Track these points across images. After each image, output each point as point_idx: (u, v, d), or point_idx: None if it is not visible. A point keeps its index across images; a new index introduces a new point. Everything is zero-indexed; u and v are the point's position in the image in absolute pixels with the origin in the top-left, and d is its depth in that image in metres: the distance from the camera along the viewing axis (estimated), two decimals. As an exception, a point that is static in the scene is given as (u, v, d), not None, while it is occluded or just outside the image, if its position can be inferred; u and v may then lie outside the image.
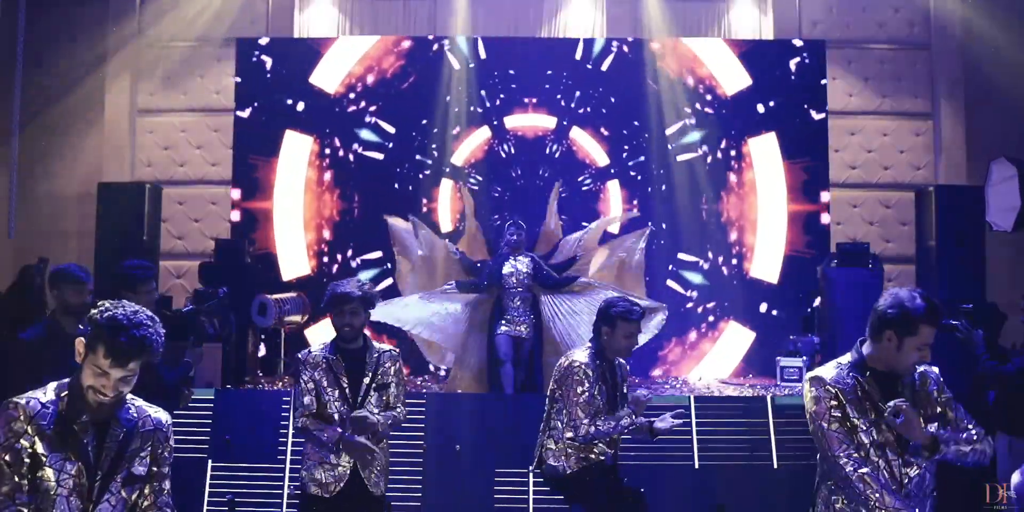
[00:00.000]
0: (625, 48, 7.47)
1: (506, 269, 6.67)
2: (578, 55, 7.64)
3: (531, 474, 5.46)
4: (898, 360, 2.66)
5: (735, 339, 7.32)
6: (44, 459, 2.17)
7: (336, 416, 3.73)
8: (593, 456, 4.00)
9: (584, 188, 7.94)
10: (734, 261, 7.43)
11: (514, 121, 7.87)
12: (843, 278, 7.06)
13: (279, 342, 7.82)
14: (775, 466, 5.66)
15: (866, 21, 9.07)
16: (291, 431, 5.81)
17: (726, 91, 7.28)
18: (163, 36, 9.25)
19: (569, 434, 3.95)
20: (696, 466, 5.66)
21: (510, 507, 5.49)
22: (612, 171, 7.79)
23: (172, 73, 9.21)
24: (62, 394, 2.24)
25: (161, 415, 2.42)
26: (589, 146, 7.88)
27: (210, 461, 5.52)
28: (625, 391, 4.15)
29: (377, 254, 7.03)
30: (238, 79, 8.27)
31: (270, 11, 9.20)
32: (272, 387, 6.91)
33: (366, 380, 3.79)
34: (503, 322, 6.62)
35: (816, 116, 7.34)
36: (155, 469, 2.36)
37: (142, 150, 9.18)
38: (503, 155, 7.88)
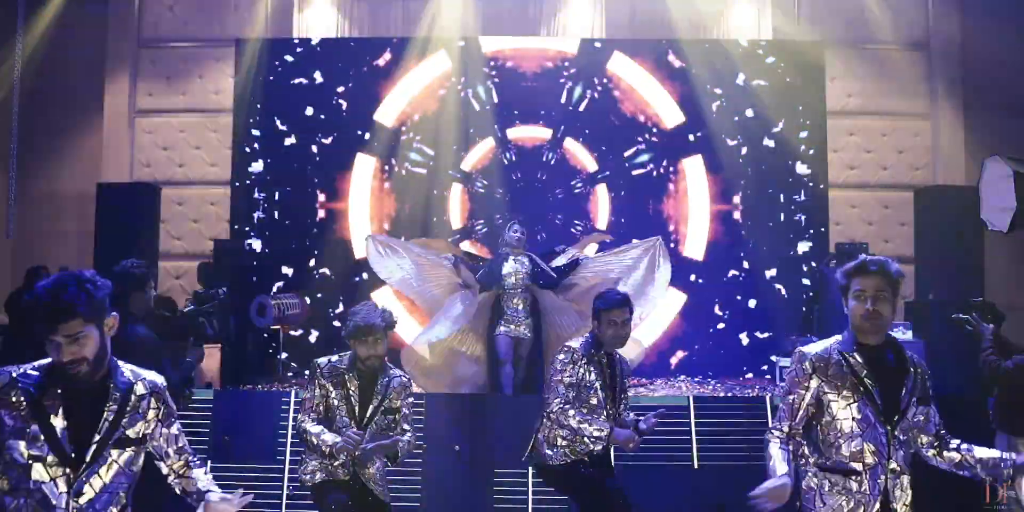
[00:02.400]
0: (596, 94, 9.29)
1: (506, 269, 6.67)
2: (563, 98, 9.29)
3: (530, 474, 5.47)
4: (853, 318, 2.78)
5: (673, 300, 8.77)
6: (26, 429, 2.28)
7: (337, 430, 3.74)
8: (582, 447, 3.98)
9: (576, 191, 9.22)
10: (672, 245, 8.97)
11: (515, 133, 9.26)
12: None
13: (277, 343, 7.83)
14: (774, 466, 5.66)
15: (865, 21, 9.07)
16: (290, 431, 5.81)
17: (667, 125, 9.22)
18: (162, 37, 9.26)
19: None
20: (696, 467, 5.66)
21: (509, 507, 5.50)
22: (600, 176, 9.25)
23: (171, 73, 9.22)
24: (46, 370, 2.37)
25: (156, 378, 2.54)
26: (580, 154, 9.24)
27: (209, 461, 5.52)
28: (627, 388, 4.11)
29: (422, 240, 7.98)
30: (322, 117, 9.18)
31: (269, 11, 9.21)
32: (271, 388, 6.91)
33: (374, 403, 3.80)
34: (502, 322, 6.62)
35: (730, 142, 9.08)
36: (165, 430, 2.53)
37: (141, 150, 9.18)
38: (505, 162, 9.22)
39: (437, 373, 6.77)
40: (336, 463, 3.75)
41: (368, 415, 3.79)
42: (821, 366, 2.76)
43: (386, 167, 9.22)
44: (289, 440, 5.76)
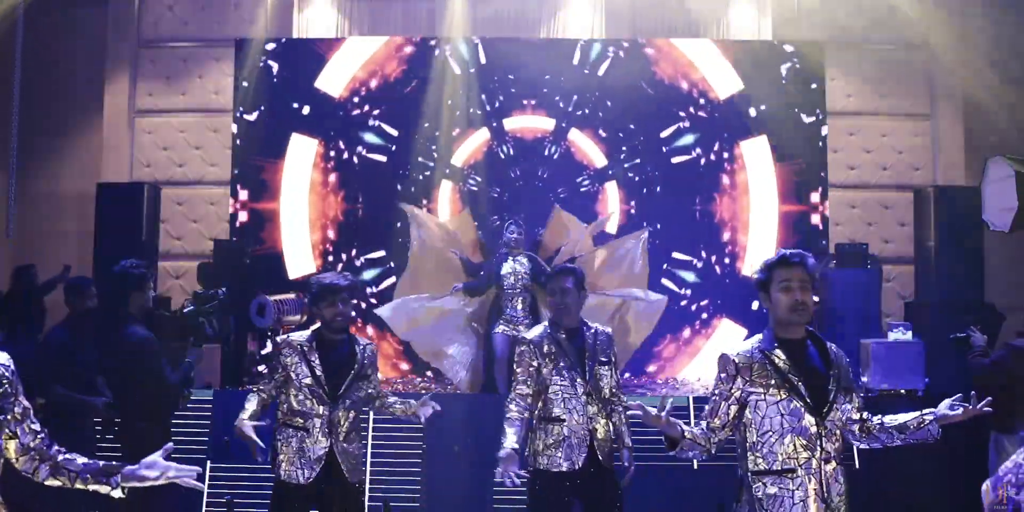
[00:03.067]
0: (621, 53, 7.67)
1: (505, 269, 6.67)
2: (575, 59, 7.84)
3: (530, 474, 5.46)
4: (780, 310, 2.77)
5: (728, 336, 7.50)
6: None
7: (307, 403, 3.73)
8: (547, 460, 3.77)
9: (582, 189, 8.09)
10: (727, 260, 7.65)
11: (513, 123, 8.03)
12: (842, 279, 7.07)
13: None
14: (774, 466, 5.65)
15: (864, 21, 9.06)
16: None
17: (719, 95, 7.51)
18: (162, 36, 9.25)
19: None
20: (695, 466, 5.66)
21: (509, 508, 5.49)
22: (610, 172, 7.98)
23: (171, 73, 9.21)
24: None
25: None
26: (587, 148, 8.04)
27: (209, 462, 5.52)
28: (600, 358, 3.84)
29: (380, 253, 7.25)
30: (245, 83, 8.36)
31: (269, 11, 9.20)
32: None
33: (353, 371, 3.83)
34: (501, 322, 6.62)
35: (807, 119, 7.59)
36: (15, 409, 2.24)
37: (141, 150, 9.17)
38: (502, 156, 8.04)
39: (424, 331, 6.69)
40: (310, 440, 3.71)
41: (345, 385, 3.79)
42: (745, 367, 2.76)
43: (331, 152, 7.50)
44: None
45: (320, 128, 7.57)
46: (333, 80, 7.52)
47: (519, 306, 6.63)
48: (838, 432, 2.76)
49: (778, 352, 2.77)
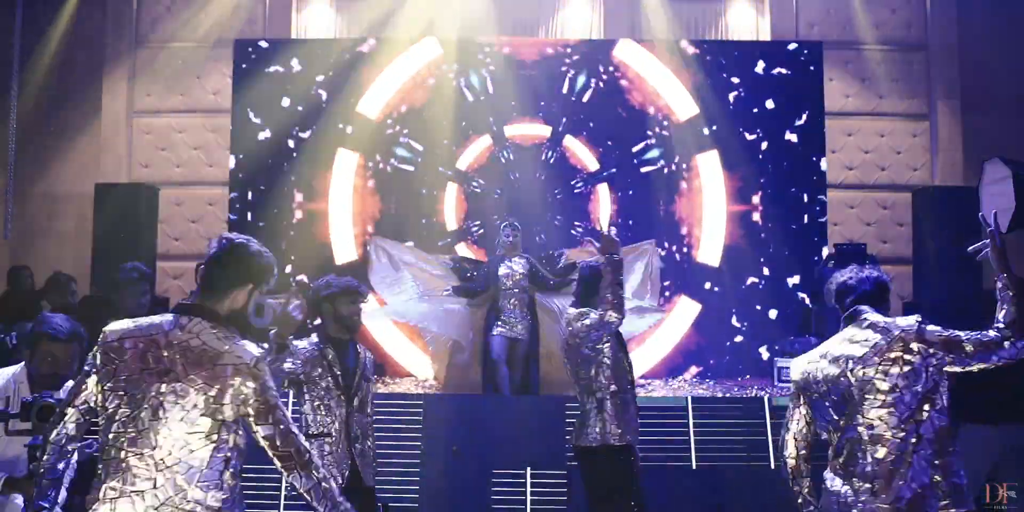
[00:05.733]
0: (601, 84, 8.71)
1: (502, 270, 6.68)
2: (564, 89, 8.76)
3: (528, 475, 5.47)
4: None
5: (685, 310, 8.41)
6: None
7: (324, 408, 3.74)
8: None
9: (576, 191, 8.71)
10: (684, 249, 8.57)
11: (513, 130, 8.75)
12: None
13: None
14: (772, 466, 5.66)
15: (863, 22, 9.08)
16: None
17: (679, 118, 8.65)
18: (160, 37, 9.25)
19: None
20: (694, 467, 5.66)
21: (507, 508, 5.49)
22: (603, 175, 8.71)
23: (170, 74, 9.20)
24: None
25: None
26: (581, 153, 8.75)
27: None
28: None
29: (409, 244, 7.91)
30: (300, 107, 8.76)
31: (267, 12, 9.21)
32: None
33: (360, 371, 3.88)
34: (499, 323, 6.63)
35: (749, 137, 8.61)
36: None
37: (139, 151, 9.17)
38: (503, 161, 8.73)
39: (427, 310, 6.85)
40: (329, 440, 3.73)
41: (355, 384, 3.82)
42: None
43: (369, 163, 8.57)
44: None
45: (361, 144, 8.65)
46: (371, 105, 8.70)
47: (516, 307, 6.63)
48: None
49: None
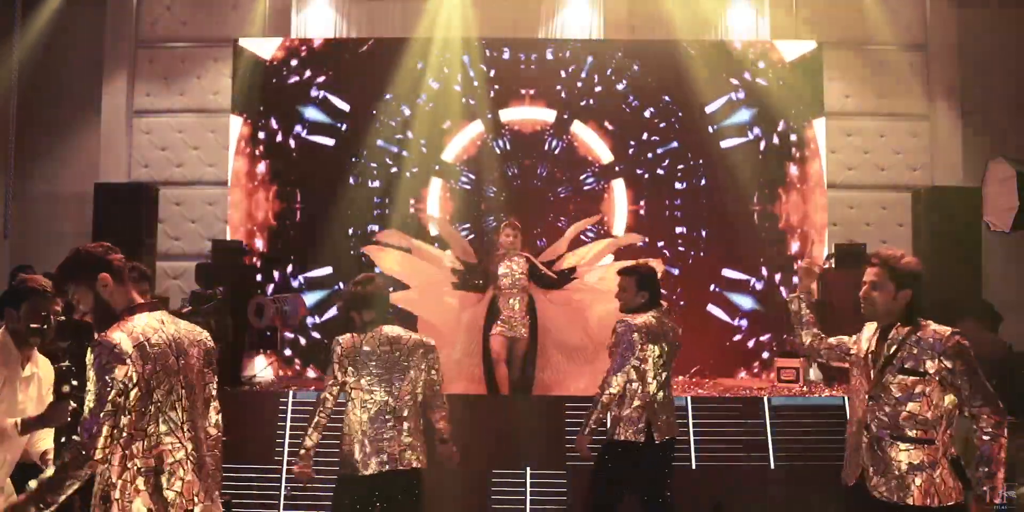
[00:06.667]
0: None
1: (501, 269, 6.68)
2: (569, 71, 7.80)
3: (528, 475, 5.47)
4: None
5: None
6: None
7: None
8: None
9: (586, 188, 7.78)
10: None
11: (510, 114, 7.71)
12: (840, 279, 7.07)
13: (275, 344, 7.81)
14: (772, 466, 5.67)
15: (863, 22, 9.07)
16: (288, 432, 5.80)
17: (784, 56, 6.91)
18: (160, 36, 9.24)
19: None
20: (694, 466, 5.67)
21: (507, 508, 5.49)
22: (617, 169, 7.56)
23: (169, 74, 9.21)
24: None
25: None
26: (592, 142, 7.70)
27: (207, 462, 5.51)
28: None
29: (326, 270, 6.83)
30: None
31: (267, 12, 9.20)
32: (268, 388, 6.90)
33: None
34: (498, 323, 6.63)
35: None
36: None
37: (139, 151, 9.16)
38: (498, 151, 7.71)
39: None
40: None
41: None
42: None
43: (259, 134, 7.14)
44: (287, 440, 5.76)
45: (246, 102, 7.80)
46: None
47: (516, 306, 6.63)
48: None
49: None
